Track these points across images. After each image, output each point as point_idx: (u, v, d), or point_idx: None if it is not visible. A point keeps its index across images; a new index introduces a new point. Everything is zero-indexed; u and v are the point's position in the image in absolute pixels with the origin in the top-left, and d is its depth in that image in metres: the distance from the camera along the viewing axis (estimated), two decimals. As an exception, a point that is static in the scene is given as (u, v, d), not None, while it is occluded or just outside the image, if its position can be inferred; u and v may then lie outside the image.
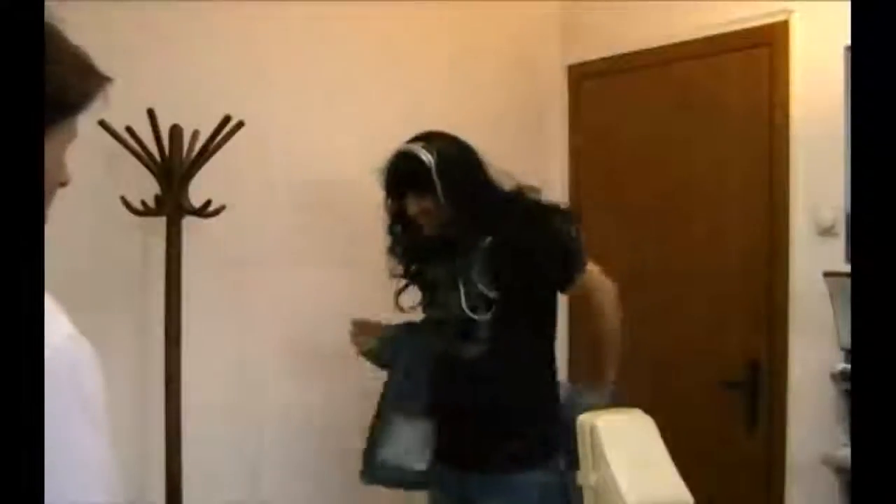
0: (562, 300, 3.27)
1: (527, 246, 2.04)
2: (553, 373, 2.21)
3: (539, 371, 2.17)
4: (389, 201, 2.17)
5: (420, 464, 2.12)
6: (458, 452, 2.11)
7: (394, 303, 2.25)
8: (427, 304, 2.23)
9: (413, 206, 2.09)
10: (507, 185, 2.14)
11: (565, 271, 2.08)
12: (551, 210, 2.14)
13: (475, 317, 2.04)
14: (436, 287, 2.17)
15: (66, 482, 0.84)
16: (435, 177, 2.02)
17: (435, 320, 2.18)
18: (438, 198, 2.04)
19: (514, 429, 2.07)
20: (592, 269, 2.14)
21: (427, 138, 2.11)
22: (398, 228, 2.20)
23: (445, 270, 2.12)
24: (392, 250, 2.23)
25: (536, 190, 2.18)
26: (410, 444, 2.12)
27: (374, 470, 2.15)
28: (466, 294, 2.04)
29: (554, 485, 2.09)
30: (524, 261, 2.04)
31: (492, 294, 2.03)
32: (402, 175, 2.09)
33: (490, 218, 2.08)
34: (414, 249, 2.21)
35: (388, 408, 2.17)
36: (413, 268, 2.23)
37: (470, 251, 2.06)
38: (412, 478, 2.15)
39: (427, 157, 2.03)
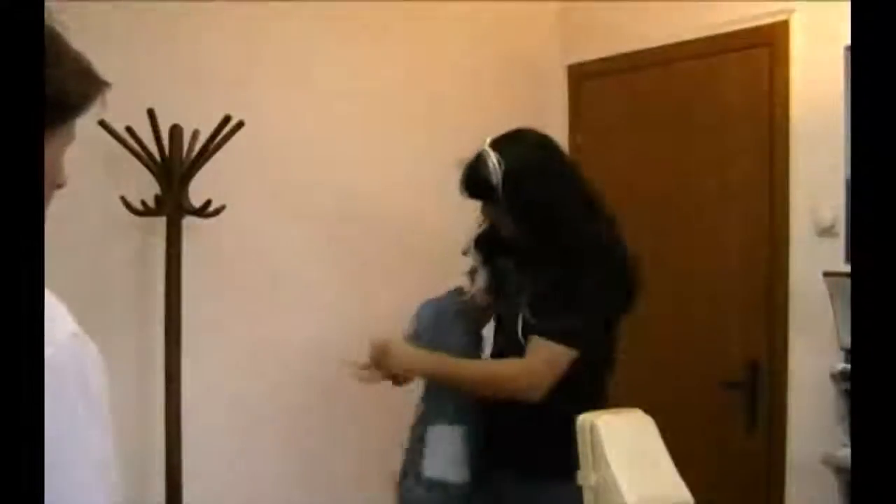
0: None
1: (551, 288, 1.92)
2: (603, 387, 2.09)
3: (590, 383, 2.03)
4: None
5: (464, 476, 2.01)
6: (503, 457, 2.04)
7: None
8: (494, 297, 2.12)
9: (482, 212, 2.04)
10: (590, 198, 2.03)
11: (539, 324, 1.91)
12: (601, 264, 1.95)
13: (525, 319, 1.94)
14: (503, 290, 2.08)
15: (69, 478, 0.84)
16: (499, 188, 1.90)
17: (498, 316, 2.12)
18: (503, 209, 1.95)
19: (564, 436, 1.93)
20: (549, 353, 1.89)
21: (511, 140, 1.98)
22: (483, 227, 2.10)
23: (516, 280, 2.03)
24: (473, 245, 2.13)
25: (613, 223, 2.04)
26: (455, 453, 2.01)
27: (415, 485, 2.03)
28: (531, 313, 1.94)
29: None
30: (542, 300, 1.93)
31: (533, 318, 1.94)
32: (469, 181, 1.97)
33: (556, 241, 1.94)
34: (488, 251, 2.11)
35: (431, 413, 2.06)
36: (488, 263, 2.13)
37: (537, 269, 1.96)
38: (455, 491, 2.02)
39: (495, 165, 1.90)
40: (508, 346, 2.01)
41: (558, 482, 1.94)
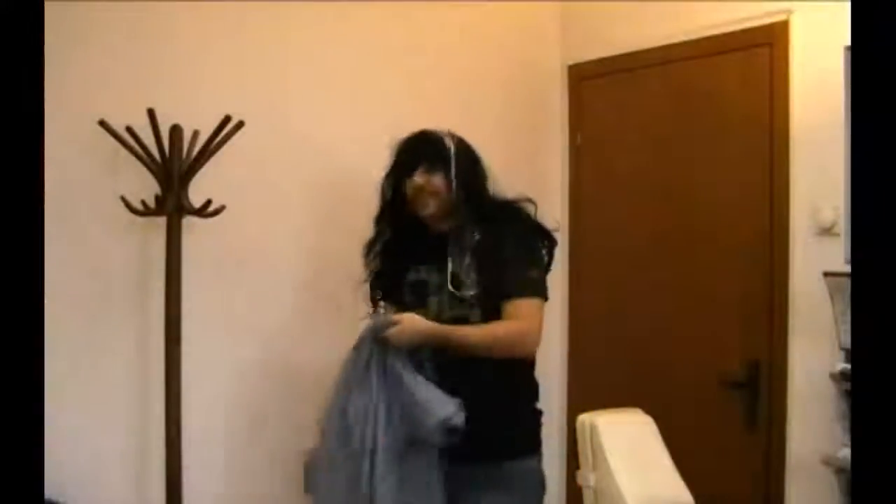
0: (560, 305, 3.28)
1: (503, 254, 2.06)
2: (531, 366, 2.21)
3: (520, 366, 2.16)
4: (390, 179, 2.20)
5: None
6: (466, 447, 2.06)
7: (370, 301, 2.24)
8: (410, 303, 2.17)
9: (420, 179, 2.12)
10: (503, 192, 2.20)
11: (509, 287, 2.04)
12: (536, 228, 2.15)
13: (460, 293, 2.06)
14: (424, 287, 2.16)
15: None
16: (452, 157, 2.13)
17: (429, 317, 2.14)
18: (450, 178, 2.11)
19: (507, 420, 2.10)
20: (533, 308, 2.05)
21: (442, 132, 2.19)
22: (390, 212, 2.21)
23: (437, 268, 2.12)
24: (373, 241, 2.24)
25: (532, 203, 2.19)
26: None
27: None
28: (455, 286, 2.06)
29: (541, 471, 2.16)
30: (496, 267, 2.05)
31: (472, 291, 2.06)
32: (421, 148, 2.16)
33: (486, 213, 2.12)
34: (402, 231, 2.21)
35: None
36: (394, 259, 2.21)
37: (463, 243, 2.09)
38: None
39: (448, 139, 2.16)
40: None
41: (513, 462, 2.09)
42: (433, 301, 2.12)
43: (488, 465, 2.06)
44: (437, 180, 2.12)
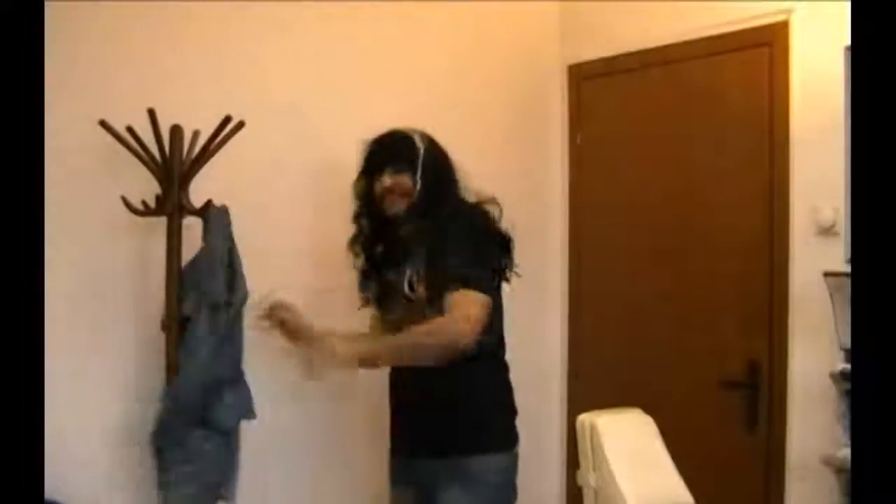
0: (559, 305, 3.28)
1: (444, 253, 2.03)
2: (501, 362, 2.21)
3: (486, 362, 2.14)
4: (361, 179, 2.24)
5: None
6: (420, 442, 2.13)
7: (360, 299, 2.29)
8: (382, 305, 2.23)
9: (388, 180, 2.14)
10: (469, 195, 2.20)
11: (442, 284, 1.99)
12: (485, 228, 2.13)
13: (415, 295, 2.07)
14: (392, 288, 2.17)
15: None
16: (420, 158, 2.14)
17: (392, 321, 2.17)
18: (416, 179, 2.12)
19: (471, 416, 2.11)
20: (467, 300, 1.96)
21: (407, 130, 2.21)
22: (364, 212, 2.26)
23: (400, 269, 2.13)
24: (355, 239, 2.28)
25: (496, 203, 2.17)
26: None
27: None
28: (410, 288, 2.08)
29: (513, 467, 2.13)
30: (437, 268, 2.04)
31: (425, 294, 2.05)
32: (389, 147, 2.18)
33: (444, 217, 2.11)
34: (374, 231, 2.25)
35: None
36: (370, 259, 2.25)
37: (420, 245, 2.10)
38: None
39: (419, 140, 2.17)
40: (411, 310, 2.09)
41: (478, 457, 2.07)
42: (396, 303, 2.14)
43: (451, 459, 2.07)
44: (406, 181, 2.13)
